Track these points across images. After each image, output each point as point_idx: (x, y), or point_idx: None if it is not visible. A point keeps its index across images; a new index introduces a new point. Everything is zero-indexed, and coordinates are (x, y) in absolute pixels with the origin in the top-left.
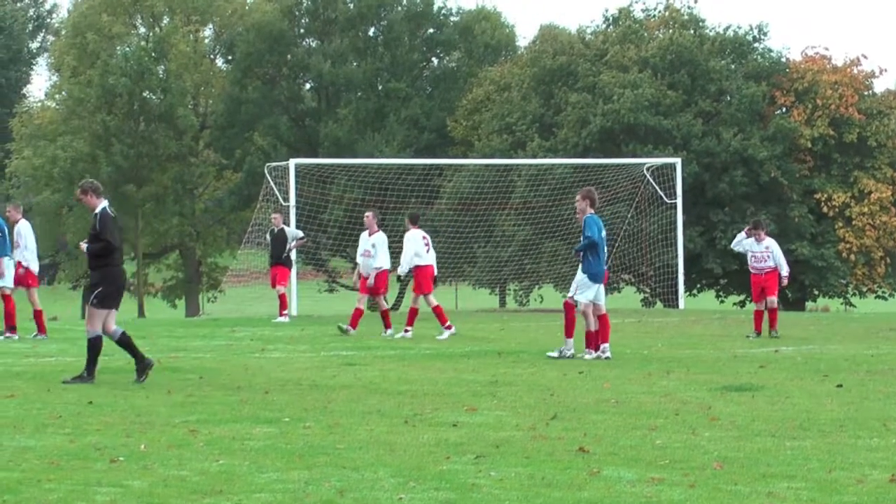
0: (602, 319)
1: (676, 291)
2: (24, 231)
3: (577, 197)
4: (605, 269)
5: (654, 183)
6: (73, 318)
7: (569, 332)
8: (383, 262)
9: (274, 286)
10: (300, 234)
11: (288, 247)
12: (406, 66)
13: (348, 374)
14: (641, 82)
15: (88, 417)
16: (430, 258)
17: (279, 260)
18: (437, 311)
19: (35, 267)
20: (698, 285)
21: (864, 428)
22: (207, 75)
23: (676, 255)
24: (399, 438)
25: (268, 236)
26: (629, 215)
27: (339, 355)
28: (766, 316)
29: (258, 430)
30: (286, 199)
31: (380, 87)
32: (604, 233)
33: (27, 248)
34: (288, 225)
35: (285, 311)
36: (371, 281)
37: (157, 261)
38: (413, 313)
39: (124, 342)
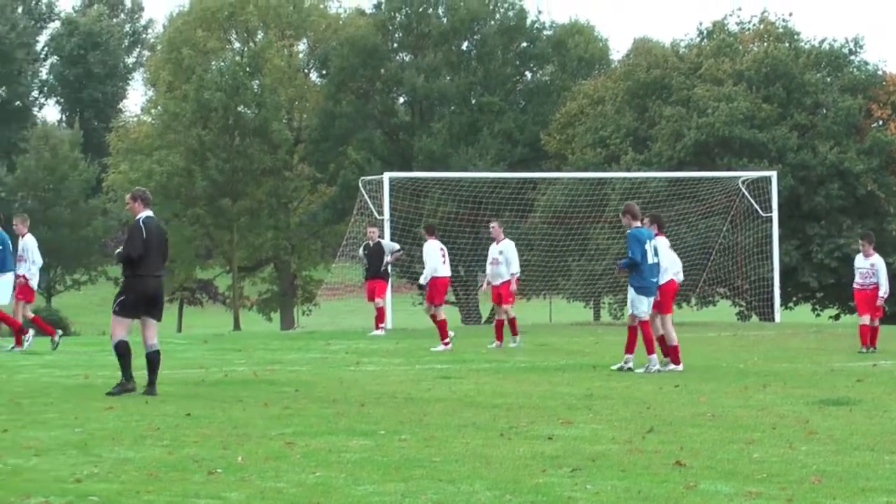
0: (632, 330)
1: (772, 305)
2: (31, 245)
3: (620, 215)
4: (677, 283)
5: (749, 196)
6: (166, 331)
7: (649, 349)
8: (516, 267)
9: (371, 299)
10: (396, 246)
11: (385, 260)
12: (499, 80)
13: (443, 387)
14: (736, 95)
15: (186, 429)
16: (445, 269)
17: (377, 273)
18: (442, 325)
19: (35, 283)
20: (794, 299)
21: None
22: (302, 90)
23: (772, 269)
24: (495, 451)
25: (361, 250)
26: (724, 229)
27: (434, 368)
28: None
29: (354, 442)
30: (380, 213)
31: (473, 101)
32: (648, 245)
33: (34, 262)
34: (383, 238)
35: (382, 324)
36: (513, 287)
37: (253, 274)
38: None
39: (121, 353)
